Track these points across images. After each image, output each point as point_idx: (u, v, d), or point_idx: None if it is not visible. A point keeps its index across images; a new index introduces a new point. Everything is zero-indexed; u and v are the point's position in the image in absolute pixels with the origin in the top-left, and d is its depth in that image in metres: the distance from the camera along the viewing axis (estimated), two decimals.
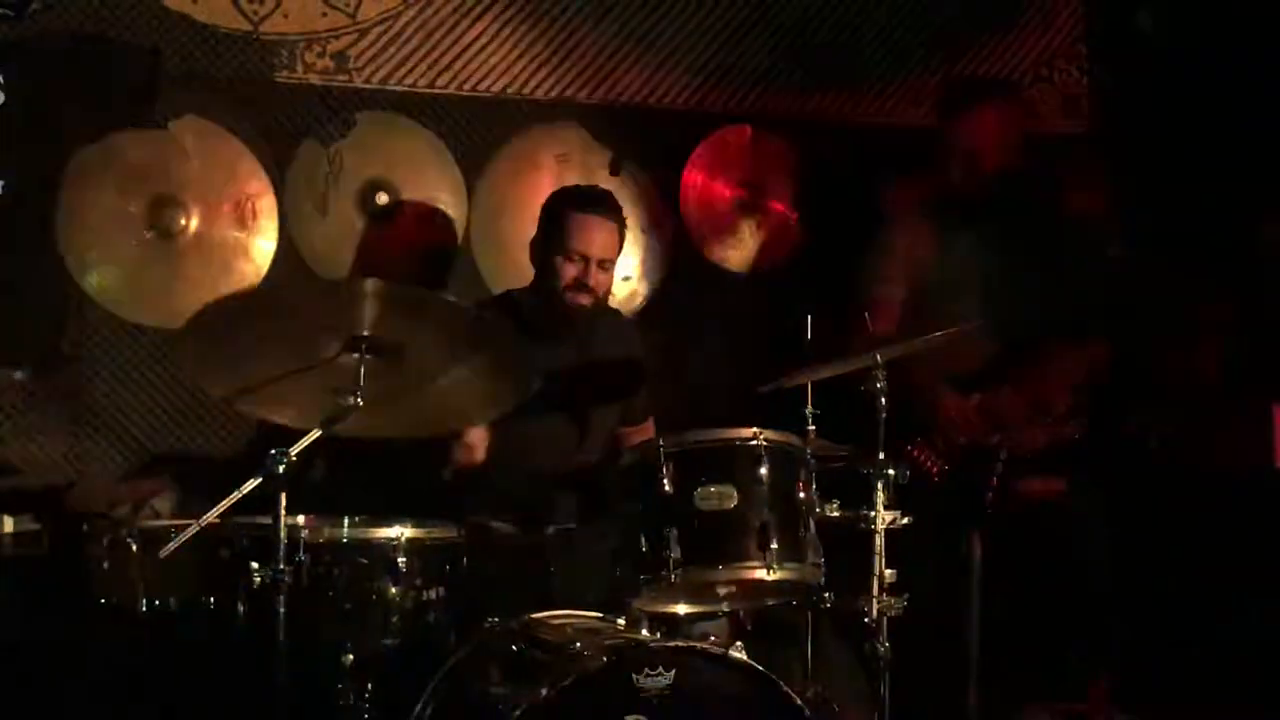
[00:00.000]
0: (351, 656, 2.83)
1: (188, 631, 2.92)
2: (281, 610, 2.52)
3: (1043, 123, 4.61)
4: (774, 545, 2.77)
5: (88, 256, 3.89)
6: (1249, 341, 4.14)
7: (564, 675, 2.57)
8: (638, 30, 4.36)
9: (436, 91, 4.20)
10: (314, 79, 4.09)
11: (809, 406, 3.05)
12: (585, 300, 3.55)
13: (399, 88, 4.16)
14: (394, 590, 2.82)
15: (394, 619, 2.83)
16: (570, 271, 3.53)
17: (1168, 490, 4.09)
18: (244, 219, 4.01)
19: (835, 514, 2.94)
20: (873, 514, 2.94)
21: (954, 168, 3.95)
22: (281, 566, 2.53)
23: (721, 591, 2.92)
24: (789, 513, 2.84)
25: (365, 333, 2.62)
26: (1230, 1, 4.38)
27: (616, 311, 3.95)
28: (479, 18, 4.23)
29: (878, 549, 2.94)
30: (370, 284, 2.57)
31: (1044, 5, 4.70)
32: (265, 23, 4.04)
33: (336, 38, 4.11)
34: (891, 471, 2.96)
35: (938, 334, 3.19)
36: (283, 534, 2.54)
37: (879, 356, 3.02)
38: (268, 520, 2.55)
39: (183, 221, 3.97)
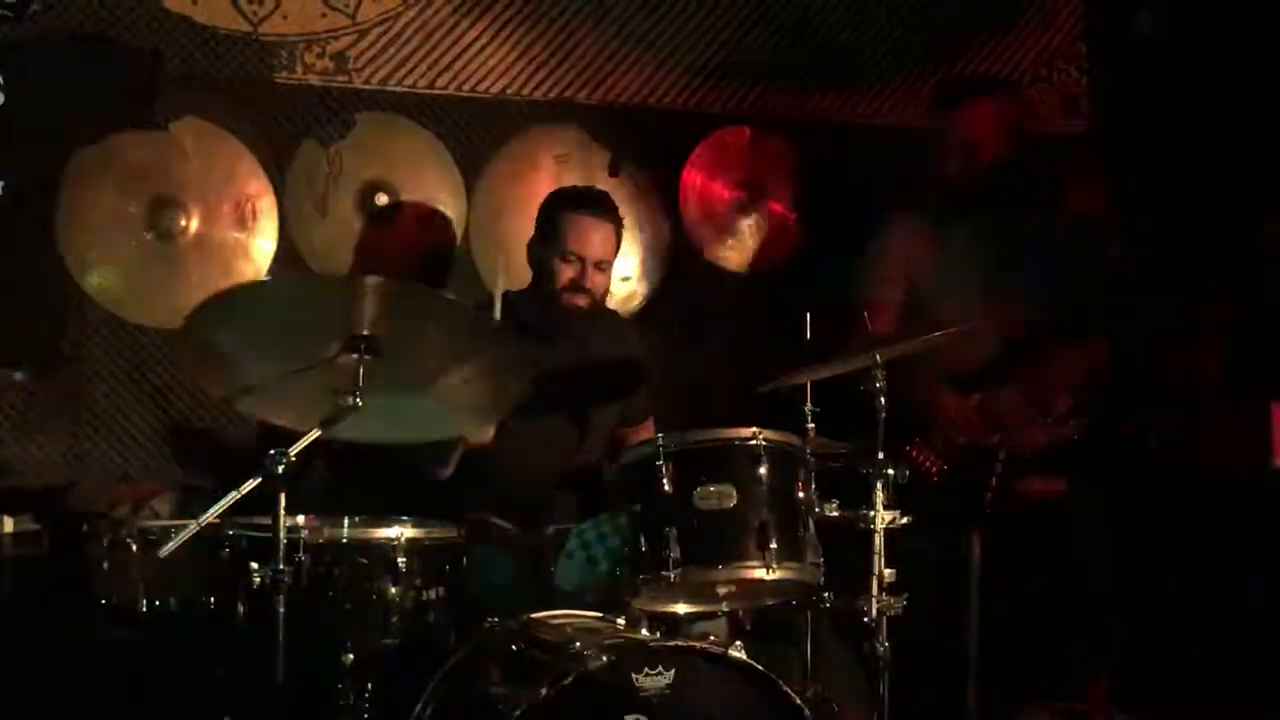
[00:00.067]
0: (351, 656, 2.82)
1: (188, 631, 2.93)
2: (281, 610, 2.52)
3: (1042, 123, 4.61)
4: (773, 545, 2.77)
5: (88, 257, 3.89)
6: (1249, 341, 4.14)
7: (564, 675, 2.56)
8: (637, 31, 4.36)
9: (436, 92, 4.20)
10: (313, 80, 4.09)
11: (808, 406, 3.05)
12: (582, 301, 3.55)
13: (398, 88, 4.16)
14: (394, 590, 2.82)
15: (394, 619, 2.83)
16: (567, 273, 3.53)
17: (1168, 490, 4.08)
18: (244, 219, 4.01)
19: (835, 514, 2.94)
20: (872, 514, 2.94)
21: (951, 160, 3.95)
22: (281, 567, 2.53)
23: (721, 591, 2.92)
24: (788, 512, 2.85)
25: (365, 332, 2.61)
26: (1230, 1, 4.38)
27: (614, 312, 3.95)
28: (478, 19, 4.23)
29: (877, 549, 2.93)
30: (370, 280, 2.57)
31: (1044, 5, 4.70)
32: (265, 24, 4.04)
33: (336, 38, 4.11)
34: (891, 471, 2.96)
35: (937, 334, 3.20)
36: (282, 534, 2.53)
37: (878, 356, 3.02)
38: (267, 520, 2.55)
39: (183, 222, 3.97)
